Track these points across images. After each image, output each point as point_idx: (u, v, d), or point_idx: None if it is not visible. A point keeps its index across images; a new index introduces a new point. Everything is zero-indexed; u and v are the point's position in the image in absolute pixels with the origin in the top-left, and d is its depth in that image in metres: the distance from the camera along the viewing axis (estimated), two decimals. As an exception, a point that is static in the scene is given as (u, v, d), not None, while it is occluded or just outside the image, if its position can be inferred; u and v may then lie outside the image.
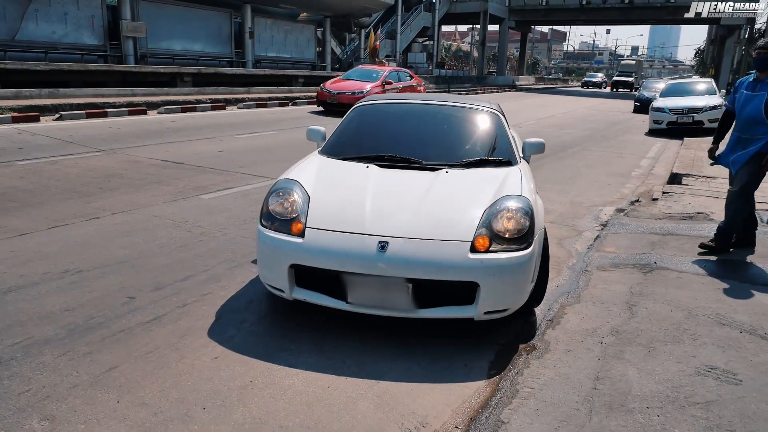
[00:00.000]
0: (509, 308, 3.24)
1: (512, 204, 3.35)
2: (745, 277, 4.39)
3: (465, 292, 3.14)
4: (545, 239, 3.65)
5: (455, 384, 2.91)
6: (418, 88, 19.92)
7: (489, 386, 2.90)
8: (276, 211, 3.44)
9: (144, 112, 15.07)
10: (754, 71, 4.75)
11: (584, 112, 23.43)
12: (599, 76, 59.26)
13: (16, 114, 12.21)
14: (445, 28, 60.89)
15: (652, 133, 15.75)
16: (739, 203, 4.73)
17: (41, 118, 12.75)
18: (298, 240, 3.24)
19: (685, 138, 13.45)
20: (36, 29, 20.14)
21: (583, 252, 5.10)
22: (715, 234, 4.93)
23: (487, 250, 3.12)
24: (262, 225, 3.44)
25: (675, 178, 8.32)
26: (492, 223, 3.23)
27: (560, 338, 3.35)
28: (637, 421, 2.52)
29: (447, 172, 3.87)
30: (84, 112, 13.54)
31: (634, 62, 60.47)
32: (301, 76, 27.67)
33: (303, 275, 3.29)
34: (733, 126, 4.92)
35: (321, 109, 17.78)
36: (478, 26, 55.24)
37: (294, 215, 3.37)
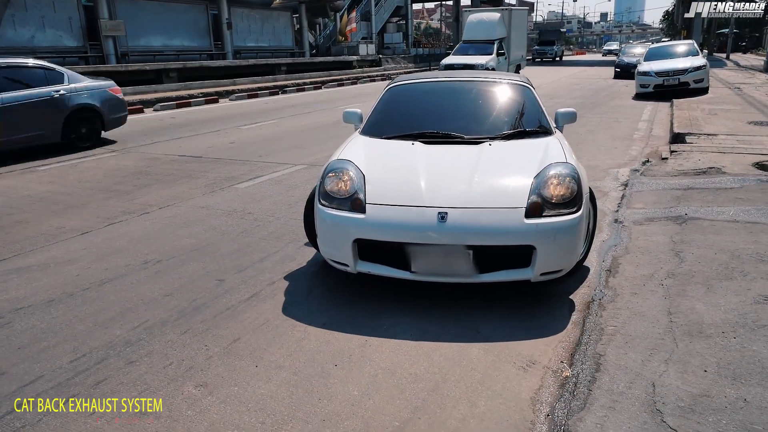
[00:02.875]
0: (563, 269, 3.47)
1: (559, 171, 3.57)
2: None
3: (521, 255, 3.36)
4: (593, 200, 3.97)
5: (545, 329, 3.26)
6: None
7: (576, 328, 3.26)
8: (333, 190, 3.64)
9: (141, 111, 15.12)
10: None
11: (568, 81, 23.87)
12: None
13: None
14: (413, 7, 60.60)
15: (639, 96, 16.20)
16: None
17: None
18: (360, 216, 3.44)
19: (673, 99, 13.91)
20: (15, 35, 19.91)
21: (614, 209, 5.47)
22: None
23: (541, 215, 3.34)
24: (322, 204, 3.64)
25: (678, 138, 8.73)
26: (542, 189, 3.44)
27: (623, 284, 3.71)
28: (717, 343, 2.89)
29: (490, 144, 4.08)
30: (83, 114, 13.52)
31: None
32: (283, 64, 27.66)
33: (365, 249, 3.50)
34: None
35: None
36: (447, 2, 55.33)
37: (352, 193, 3.56)
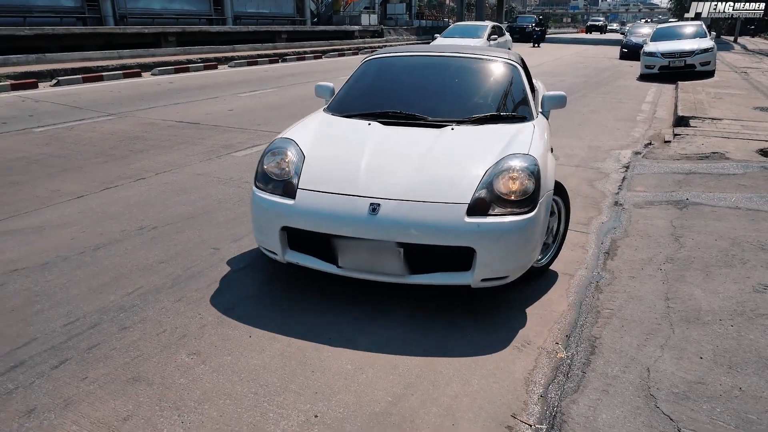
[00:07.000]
0: (509, 275, 3.07)
1: (516, 163, 3.12)
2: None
3: (460, 257, 2.99)
4: (566, 198, 3.68)
5: (543, 309, 3.24)
6: None
7: (572, 309, 3.24)
8: (272, 171, 3.36)
9: (138, 75, 14.89)
10: None
11: (572, 59, 23.59)
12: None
13: (13, 81, 12.04)
14: (420, -22, 59.33)
15: (644, 78, 16.02)
16: None
17: (39, 84, 12.57)
18: (289, 202, 3.15)
19: (678, 82, 13.76)
20: (11, -8, 19.45)
21: (615, 191, 5.42)
22: None
23: (486, 213, 2.96)
24: (256, 186, 3.37)
25: (681, 121, 8.65)
26: (493, 183, 3.04)
27: (621, 268, 3.68)
28: (714, 331, 2.88)
29: (453, 129, 3.65)
30: (80, 77, 13.37)
31: None
32: (283, 32, 27.26)
33: (296, 238, 3.22)
34: None
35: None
36: (456, -26, 54.19)
37: (289, 176, 3.28)
